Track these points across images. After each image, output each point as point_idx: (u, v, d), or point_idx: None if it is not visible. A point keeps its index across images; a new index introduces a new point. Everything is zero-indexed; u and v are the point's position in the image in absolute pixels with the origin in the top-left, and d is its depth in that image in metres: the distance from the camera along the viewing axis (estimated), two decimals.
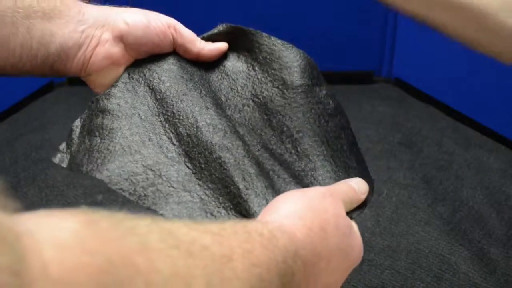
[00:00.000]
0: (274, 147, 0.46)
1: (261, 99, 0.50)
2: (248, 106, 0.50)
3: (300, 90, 0.51)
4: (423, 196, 1.26)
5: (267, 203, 0.39)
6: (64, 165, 0.47)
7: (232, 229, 0.30)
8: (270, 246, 0.30)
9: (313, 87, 0.51)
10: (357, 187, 0.43)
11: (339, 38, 1.96)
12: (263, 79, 0.51)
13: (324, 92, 0.51)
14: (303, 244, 0.33)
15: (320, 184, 0.44)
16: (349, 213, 0.41)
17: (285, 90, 0.50)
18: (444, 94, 1.68)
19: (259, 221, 0.35)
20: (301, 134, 0.47)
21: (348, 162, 0.47)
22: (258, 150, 0.46)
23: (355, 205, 0.42)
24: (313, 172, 0.45)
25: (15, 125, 1.64)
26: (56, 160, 0.47)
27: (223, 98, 0.50)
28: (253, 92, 0.50)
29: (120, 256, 0.22)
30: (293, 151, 0.46)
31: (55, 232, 0.21)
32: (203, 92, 0.48)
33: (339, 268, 0.37)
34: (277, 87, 0.50)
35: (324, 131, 0.48)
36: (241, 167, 0.43)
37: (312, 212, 0.36)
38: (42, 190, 1.30)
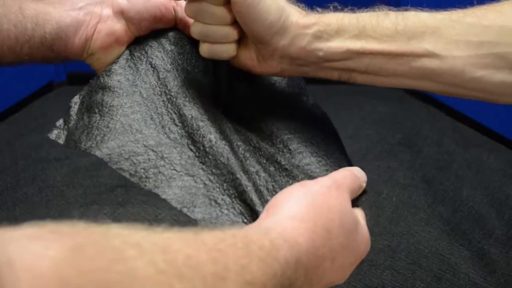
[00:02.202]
0: (266, 146, 0.45)
1: (251, 103, 0.50)
2: (238, 106, 0.49)
3: (288, 98, 0.51)
4: (423, 196, 1.26)
5: (271, 196, 0.38)
6: (61, 141, 0.45)
7: (231, 241, 0.29)
8: (269, 260, 0.30)
9: (301, 96, 0.51)
10: (358, 174, 0.42)
11: None
12: (253, 83, 0.50)
13: (311, 102, 0.51)
14: (305, 250, 0.33)
15: (318, 176, 0.43)
16: (354, 201, 0.41)
17: (274, 97, 0.50)
18: None
19: (262, 228, 0.33)
20: (290, 136, 0.46)
21: (341, 163, 0.47)
22: (255, 146, 0.45)
23: (358, 193, 0.42)
24: (309, 166, 0.45)
25: (15, 125, 1.64)
26: (52, 136, 0.46)
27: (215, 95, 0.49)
28: (244, 94, 0.50)
29: None
30: (285, 150, 0.45)
31: (36, 262, 0.20)
32: (202, 83, 0.48)
33: (345, 264, 0.37)
34: (267, 93, 0.50)
35: (313, 135, 0.47)
36: (245, 162, 0.42)
37: (316, 211, 0.35)
38: (42, 190, 1.30)
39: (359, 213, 0.41)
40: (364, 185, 0.43)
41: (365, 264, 1.03)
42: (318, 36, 0.43)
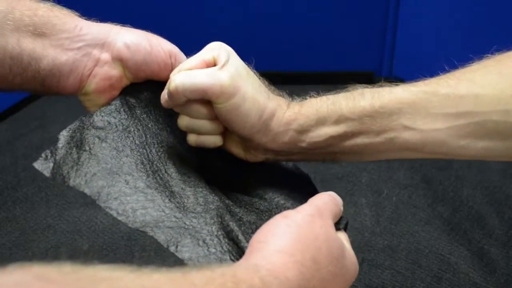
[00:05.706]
0: (245, 199, 0.46)
1: (229, 170, 0.50)
2: (217, 167, 0.50)
3: (266, 163, 0.52)
4: (423, 196, 1.26)
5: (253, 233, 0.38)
6: (46, 173, 0.45)
7: (221, 280, 0.29)
8: None
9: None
10: (336, 197, 0.43)
11: (339, 38, 1.96)
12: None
13: (290, 164, 0.52)
14: (296, 285, 0.32)
15: None
16: (336, 225, 0.41)
17: (253, 164, 0.51)
18: None
19: (250, 265, 0.33)
20: (266, 189, 0.47)
21: None
22: (235, 200, 0.46)
23: (338, 217, 0.42)
24: (286, 204, 0.46)
25: (15, 125, 1.64)
26: (38, 166, 0.45)
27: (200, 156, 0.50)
28: (221, 155, 0.50)
29: None
30: (261, 200, 0.46)
31: None
32: (189, 151, 0.48)
33: None
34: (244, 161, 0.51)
35: (289, 192, 0.48)
36: (228, 210, 0.42)
37: (302, 243, 0.35)
38: (42, 190, 1.30)
39: (343, 237, 0.41)
40: (342, 208, 0.43)
41: (365, 264, 1.03)
42: (299, 131, 0.44)
